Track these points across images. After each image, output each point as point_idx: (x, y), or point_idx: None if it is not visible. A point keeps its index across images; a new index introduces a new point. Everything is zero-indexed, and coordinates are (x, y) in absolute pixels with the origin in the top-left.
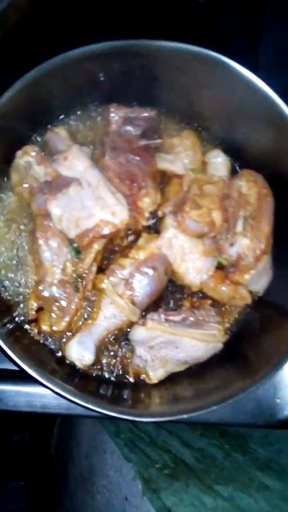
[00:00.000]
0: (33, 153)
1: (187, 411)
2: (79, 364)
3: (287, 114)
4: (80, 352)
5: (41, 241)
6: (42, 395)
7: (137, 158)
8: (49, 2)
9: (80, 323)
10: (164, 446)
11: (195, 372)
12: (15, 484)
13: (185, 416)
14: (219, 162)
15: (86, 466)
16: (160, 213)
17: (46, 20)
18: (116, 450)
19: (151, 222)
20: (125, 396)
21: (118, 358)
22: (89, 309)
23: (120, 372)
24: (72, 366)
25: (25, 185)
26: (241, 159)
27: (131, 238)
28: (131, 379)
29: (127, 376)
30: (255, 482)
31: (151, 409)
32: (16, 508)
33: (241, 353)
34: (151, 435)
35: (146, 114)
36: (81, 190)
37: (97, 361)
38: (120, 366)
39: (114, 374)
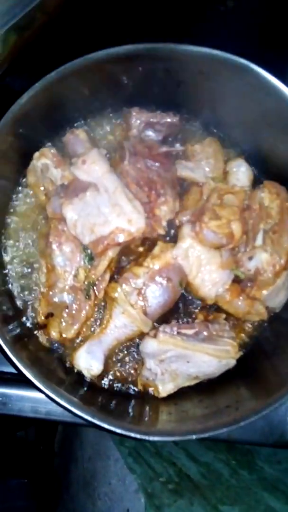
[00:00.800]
0: (51, 155)
1: (196, 431)
2: (86, 373)
3: None
4: (88, 362)
5: (54, 246)
6: (47, 401)
7: (157, 164)
8: (77, 5)
9: (91, 331)
10: (169, 458)
11: (205, 388)
12: (17, 481)
13: (194, 436)
14: (241, 172)
15: (89, 469)
16: (177, 221)
17: (73, 23)
18: (120, 458)
19: (167, 230)
20: (132, 410)
21: (127, 370)
22: (100, 317)
23: (129, 384)
24: (80, 375)
25: (41, 188)
26: (264, 170)
27: (146, 246)
28: (139, 392)
29: (135, 389)
30: (263, 505)
31: (159, 426)
32: (17, 506)
33: (255, 371)
34: (156, 445)
35: (168, 120)
36: (97, 195)
37: (106, 371)
38: (129, 378)
39: (122, 385)
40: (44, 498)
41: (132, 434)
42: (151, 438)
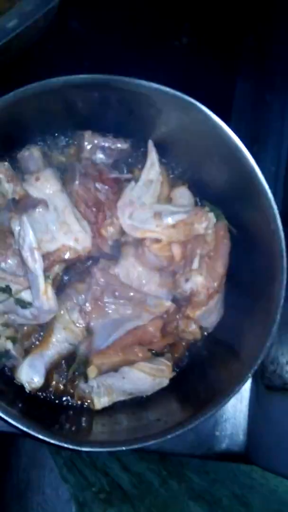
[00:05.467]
0: (4, 170)
1: (126, 443)
2: (28, 387)
3: (249, 160)
4: (29, 375)
5: (0, 258)
6: None
7: (106, 187)
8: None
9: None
10: (103, 468)
11: (139, 401)
12: None
13: (123, 448)
14: (183, 198)
15: (23, 480)
16: (123, 240)
17: (41, 49)
18: (54, 468)
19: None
20: (68, 422)
21: (66, 383)
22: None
23: (67, 397)
24: (20, 387)
25: None
26: (205, 196)
27: (89, 263)
28: (76, 404)
29: (73, 401)
30: None
31: (92, 437)
32: None
33: (186, 387)
34: (91, 455)
35: (119, 145)
36: (46, 213)
37: (46, 383)
38: (69, 390)
39: (62, 398)
40: None
41: (65, 445)
42: (83, 449)
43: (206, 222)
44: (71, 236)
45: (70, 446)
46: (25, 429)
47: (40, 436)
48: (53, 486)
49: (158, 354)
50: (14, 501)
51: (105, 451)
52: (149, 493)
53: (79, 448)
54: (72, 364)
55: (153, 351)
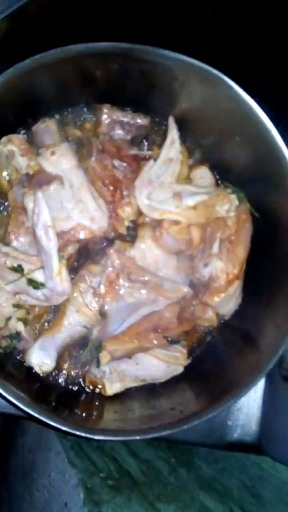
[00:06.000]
0: (18, 143)
1: (140, 432)
2: (38, 370)
3: (276, 139)
4: (40, 358)
5: (12, 236)
6: None
7: (124, 165)
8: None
9: (45, 326)
10: (110, 453)
11: (152, 388)
12: None
13: (137, 437)
14: (204, 179)
15: (29, 460)
16: (140, 221)
17: (60, 15)
18: (61, 451)
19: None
20: (79, 407)
21: (78, 366)
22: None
23: (79, 380)
24: (29, 370)
25: (4, 173)
26: (226, 178)
27: (104, 244)
28: (87, 389)
29: (84, 386)
30: (197, 503)
31: (104, 424)
32: None
33: (201, 375)
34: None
35: (139, 121)
36: (62, 189)
37: (57, 367)
38: (79, 375)
39: (73, 382)
40: None
41: (78, 432)
42: (96, 437)
43: (228, 204)
44: (87, 215)
45: (83, 434)
46: (35, 414)
47: (51, 423)
48: (60, 469)
49: (174, 341)
50: (19, 481)
51: (115, 440)
52: (158, 481)
53: (91, 436)
54: (85, 348)
55: (169, 339)
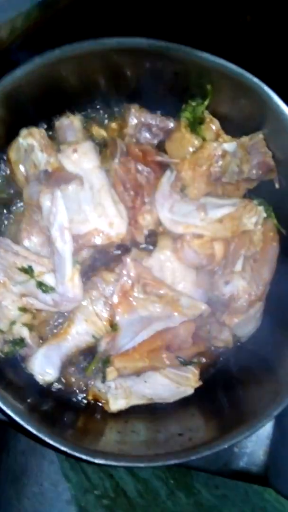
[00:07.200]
0: (39, 137)
1: (145, 459)
2: (40, 379)
3: None
4: (43, 367)
5: (24, 234)
6: None
7: (148, 170)
8: None
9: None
10: (107, 469)
11: (159, 409)
12: None
13: (142, 465)
14: None
15: (21, 464)
16: (161, 229)
17: (92, 8)
18: (55, 461)
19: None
20: (79, 422)
21: (82, 379)
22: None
23: (81, 394)
24: (30, 378)
25: (21, 168)
26: (254, 191)
27: (120, 251)
28: (89, 403)
29: (86, 400)
30: None
31: (105, 445)
32: None
33: (212, 401)
34: None
35: (168, 125)
36: (81, 190)
37: (60, 379)
38: (81, 387)
39: (76, 395)
40: None
41: (77, 454)
42: (97, 461)
43: (256, 217)
44: (106, 219)
45: (83, 456)
46: (33, 431)
47: (50, 441)
48: (53, 480)
49: (187, 363)
50: (8, 484)
51: (118, 466)
52: (155, 504)
53: (92, 460)
54: (91, 360)
55: (181, 359)
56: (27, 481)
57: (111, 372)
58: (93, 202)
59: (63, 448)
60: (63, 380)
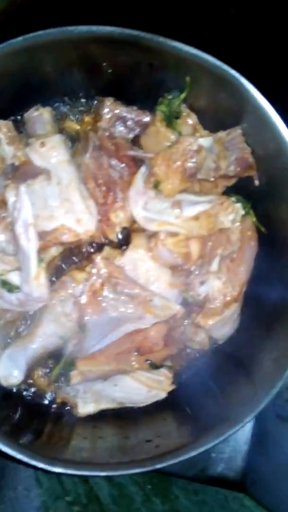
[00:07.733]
0: (5, 130)
1: (106, 467)
2: (3, 382)
3: None
4: (8, 369)
5: None
6: None
7: (122, 165)
8: None
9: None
10: None
11: (130, 414)
12: None
13: (103, 474)
14: None
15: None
16: (133, 227)
17: None
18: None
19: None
20: (45, 426)
21: (49, 382)
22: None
23: (49, 398)
24: None
25: None
26: (234, 189)
27: (92, 248)
28: (57, 407)
29: (56, 403)
30: None
31: (69, 452)
32: None
33: (186, 405)
34: None
35: (144, 119)
36: (48, 185)
37: (26, 381)
38: (52, 389)
39: (42, 398)
40: None
41: (34, 463)
42: (55, 469)
43: (234, 214)
44: (73, 216)
45: (41, 465)
46: None
47: (3, 448)
48: (26, 485)
49: (157, 366)
50: None
51: (78, 474)
52: (128, 511)
53: (50, 469)
54: (56, 363)
55: (151, 363)
56: (4, 484)
57: (75, 375)
58: (60, 197)
59: (19, 456)
60: (32, 384)
